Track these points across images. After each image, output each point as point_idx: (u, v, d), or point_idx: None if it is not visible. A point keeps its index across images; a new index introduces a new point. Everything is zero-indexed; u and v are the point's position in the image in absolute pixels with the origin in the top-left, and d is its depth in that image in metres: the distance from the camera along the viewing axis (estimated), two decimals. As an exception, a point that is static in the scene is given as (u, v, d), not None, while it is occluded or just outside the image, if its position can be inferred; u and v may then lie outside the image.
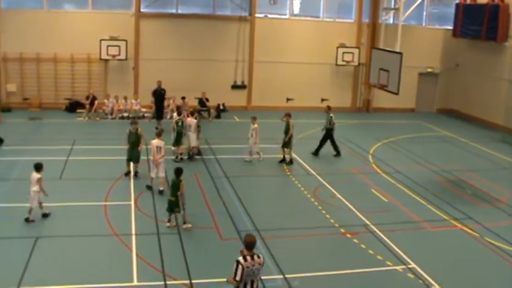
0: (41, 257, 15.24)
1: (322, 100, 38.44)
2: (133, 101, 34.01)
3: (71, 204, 19.06)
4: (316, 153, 27.26)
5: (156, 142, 21.08)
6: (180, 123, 24.94)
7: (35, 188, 17.53)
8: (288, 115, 25.72)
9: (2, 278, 14.02)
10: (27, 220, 17.50)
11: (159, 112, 31.17)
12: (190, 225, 17.68)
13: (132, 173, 22.49)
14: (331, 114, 27.58)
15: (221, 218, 18.55)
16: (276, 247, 16.50)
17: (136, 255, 15.57)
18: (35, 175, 17.59)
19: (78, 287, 13.80)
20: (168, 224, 17.75)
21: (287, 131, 25.37)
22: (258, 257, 11.31)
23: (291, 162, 25.24)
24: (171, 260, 15.42)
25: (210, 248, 16.49)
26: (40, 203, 17.78)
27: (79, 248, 16.10)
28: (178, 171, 17.68)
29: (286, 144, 25.33)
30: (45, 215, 17.97)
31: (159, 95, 31.23)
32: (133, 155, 22.34)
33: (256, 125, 25.17)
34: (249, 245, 11.23)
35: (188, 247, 16.26)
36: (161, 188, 20.85)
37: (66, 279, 14.09)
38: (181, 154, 25.08)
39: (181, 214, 17.67)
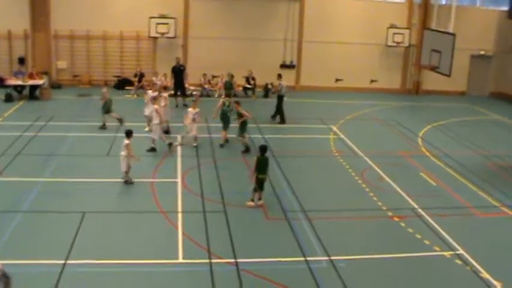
0: (88, 232, 15.39)
1: (371, 81, 38.07)
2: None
3: (118, 180, 19.17)
4: (274, 117, 28.63)
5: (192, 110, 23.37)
6: (226, 104, 24.63)
7: (123, 153, 18.70)
8: (237, 103, 23.88)
9: (51, 251, 14.20)
10: (125, 182, 18.88)
11: (180, 88, 31.41)
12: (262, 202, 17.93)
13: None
14: (282, 82, 28.84)
15: (268, 197, 18.41)
16: (322, 228, 16.35)
17: (182, 233, 15.60)
18: (125, 141, 18.77)
19: (124, 261, 13.89)
20: (252, 204, 17.74)
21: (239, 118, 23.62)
22: None
23: (247, 150, 23.27)
24: (216, 238, 15.41)
25: (255, 228, 16.46)
26: (128, 169, 18.82)
27: (125, 224, 16.23)
28: (264, 149, 17.80)
29: (240, 130, 23.50)
30: (126, 182, 18.89)
31: (178, 72, 31.41)
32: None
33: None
34: None
35: (234, 226, 16.22)
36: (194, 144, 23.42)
37: (112, 254, 14.20)
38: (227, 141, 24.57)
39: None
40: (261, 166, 17.61)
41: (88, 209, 16.75)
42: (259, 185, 17.69)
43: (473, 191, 20.51)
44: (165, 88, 26.92)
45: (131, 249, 14.61)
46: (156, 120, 22.49)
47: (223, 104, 24.63)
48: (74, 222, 15.82)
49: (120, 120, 25.79)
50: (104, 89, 26.10)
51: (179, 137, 23.87)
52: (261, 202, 17.93)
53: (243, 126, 23.33)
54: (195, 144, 23.34)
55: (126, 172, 18.92)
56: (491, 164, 24.06)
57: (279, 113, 28.71)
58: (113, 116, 25.74)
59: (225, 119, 24.40)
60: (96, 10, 34.11)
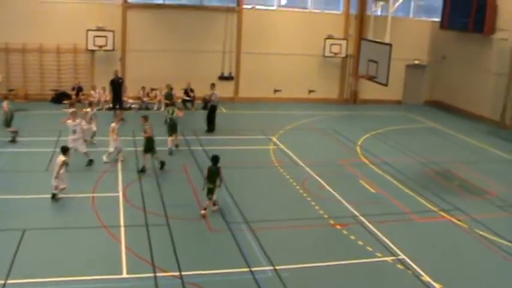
0: (28, 250, 15.08)
1: (310, 91, 38.49)
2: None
3: (58, 196, 18.86)
4: (210, 129, 28.83)
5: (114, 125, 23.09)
6: (171, 111, 25.61)
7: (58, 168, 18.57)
8: (144, 118, 22.71)
9: (-10, 270, 13.88)
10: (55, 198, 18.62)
11: (118, 101, 31.49)
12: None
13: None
14: (215, 92, 29.23)
15: (210, 209, 18.43)
16: (265, 238, 16.46)
17: (126, 247, 15.46)
18: (60, 157, 18.66)
19: (67, 279, 13.67)
20: (204, 212, 17.99)
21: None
22: None
23: (143, 170, 21.98)
24: (160, 252, 15.34)
25: (199, 240, 16.44)
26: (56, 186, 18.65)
27: (67, 240, 15.95)
28: (216, 159, 18.12)
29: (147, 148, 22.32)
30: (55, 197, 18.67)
31: (116, 85, 31.40)
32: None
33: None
34: None
35: (177, 239, 16.18)
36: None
37: (55, 272, 13.96)
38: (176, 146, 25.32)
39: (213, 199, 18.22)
40: (211, 175, 17.92)
41: (28, 226, 16.42)
42: (207, 194, 17.97)
43: (411, 196, 20.98)
44: (90, 104, 27.03)
45: (74, 266, 14.38)
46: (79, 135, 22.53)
47: (168, 112, 25.55)
48: (13, 240, 15.48)
49: (14, 137, 25.13)
50: (4, 103, 25.64)
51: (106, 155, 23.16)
52: (215, 207, 18.34)
53: (149, 143, 22.17)
54: (122, 159, 23.07)
55: (56, 187, 18.59)
56: (428, 170, 24.64)
57: (209, 122, 29.01)
58: (9, 130, 25.26)
59: (172, 127, 24.97)
60: (32, 22, 33.41)
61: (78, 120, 22.46)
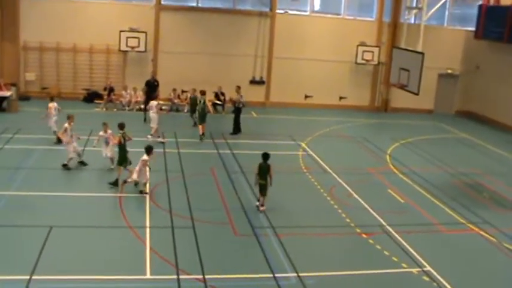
0: (54, 247, 15.21)
1: (341, 98, 38.33)
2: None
3: (86, 194, 19.07)
4: (235, 132, 29.08)
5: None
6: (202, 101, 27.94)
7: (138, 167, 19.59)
8: (120, 126, 21.46)
9: (16, 265, 14.03)
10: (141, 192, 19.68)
11: (149, 101, 30.68)
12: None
13: None
14: (242, 94, 29.57)
15: (236, 213, 18.45)
16: (290, 245, 16.37)
17: (150, 248, 15.50)
18: (144, 156, 19.69)
19: (91, 277, 13.76)
20: (262, 208, 18.86)
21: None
22: None
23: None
24: (184, 254, 15.33)
25: (224, 244, 16.39)
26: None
27: (92, 239, 16.06)
28: (266, 156, 18.95)
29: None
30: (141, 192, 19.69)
31: (151, 86, 31.35)
32: None
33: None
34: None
35: (202, 242, 16.17)
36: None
37: (79, 270, 14.08)
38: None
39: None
40: (262, 172, 18.75)
41: (55, 223, 16.56)
42: (260, 190, 18.89)
43: (440, 207, 20.72)
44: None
45: (98, 265, 14.46)
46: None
47: (199, 102, 28.00)
48: (40, 236, 15.63)
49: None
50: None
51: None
52: (262, 208, 18.89)
53: (122, 152, 20.87)
54: (112, 166, 21.96)
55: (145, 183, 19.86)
56: (457, 181, 24.35)
57: (235, 124, 29.24)
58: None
59: (202, 115, 27.45)
60: (66, 22, 33.85)
61: (110, 131, 21.86)
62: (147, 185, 20.07)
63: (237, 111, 29.35)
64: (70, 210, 17.86)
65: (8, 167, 20.97)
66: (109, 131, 21.84)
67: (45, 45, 34.03)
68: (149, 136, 26.42)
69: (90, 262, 14.61)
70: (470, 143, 31.82)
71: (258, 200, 19.16)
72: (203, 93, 28.33)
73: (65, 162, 21.67)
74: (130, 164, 20.72)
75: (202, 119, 27.69)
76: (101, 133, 21.85)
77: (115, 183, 20.01)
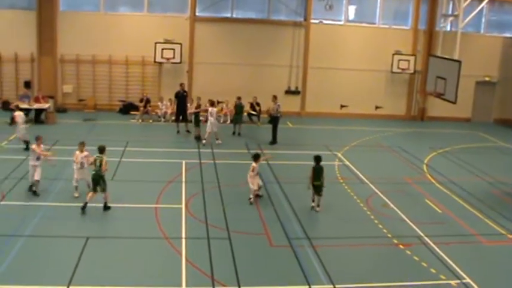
0: (91, 257, 15.31)
1: (376, 108, 38.10)
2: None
3: (122, 205, 19.15)
4: (274, 141, 29.27)
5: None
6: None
7: (252, 173, 20.43)
8: (81, 144, 20.15)
9: (53, 275, 14.15)
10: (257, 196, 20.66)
11: (182, 113, 31.13)
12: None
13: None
14: (279, 103, 29.75)
15: (272, 224, 18.37)
16: (326, 256, 16.23)
17: (186, 259, 15.50)
18: (253, 164, 20.44)
19: (127, 288, 13.83)
20: (318, 209, 19.93)
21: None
22: None
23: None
24: (220, 265, 15.30)
25: (259, 255, 16.32)
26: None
27: (129, 249, 16.12)
28: (319, 158, 20.10)
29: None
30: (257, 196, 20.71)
31: (180, 97, 31.33)
32: None
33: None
34: None
35: (238, 253, 16.12)
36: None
37: (115, 281, 14.13)
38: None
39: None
40: (316, 174, 19.71)
41: (91, 234, 16.69)
42: (316, 191, 19.81)
43: (479, 218, 20.36)
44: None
45: (134, 275, 14.51)
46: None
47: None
48: (77, 247, 15.75)
49: None
50: None
51: None
52: (318, 209, 19.86)
53: (96, 178, 18.79)
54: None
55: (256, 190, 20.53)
56: (497, 191, 23.92)
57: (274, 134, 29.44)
58: None
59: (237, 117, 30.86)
60: (102, 35, 34.30)
61: (86, 153, 19.87)
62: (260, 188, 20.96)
63: (275, 120, 29.31)
64: (106, 221, 18.01)
65: (46, 178, 21.13)
66: (85, 152, 19.80)
67: (81, 58, 34.50)
68: (204, 141, 28.21)
69: (126, 273, 14.65)
70: (509, 152, 31.31)
71: (313, 201, 19.97)
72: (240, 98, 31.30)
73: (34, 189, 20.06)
74: (104, 190, 18.74)
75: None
76: (77, 153, 19.77)
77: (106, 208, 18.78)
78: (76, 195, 19.77)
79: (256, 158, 20.61)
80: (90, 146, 25.30)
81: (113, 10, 35.16)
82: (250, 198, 20.40)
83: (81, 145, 19.89)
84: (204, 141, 28.22)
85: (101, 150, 19.00)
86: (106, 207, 18.74)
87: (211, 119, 28.43)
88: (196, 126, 28.96)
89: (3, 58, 34.01)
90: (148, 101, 33.49)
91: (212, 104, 29.04)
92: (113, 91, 35.34)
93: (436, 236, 18.17)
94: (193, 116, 29.30)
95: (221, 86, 34.73)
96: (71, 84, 34.92)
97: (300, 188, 21.79)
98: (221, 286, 14.16)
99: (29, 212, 18.07)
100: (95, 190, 18.68)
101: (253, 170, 20.29)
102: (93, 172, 18.73)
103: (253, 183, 20.36)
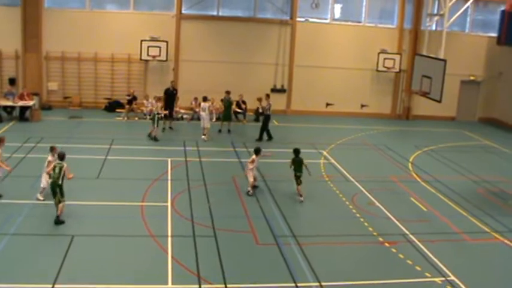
0: (76, 256, 15.26)
1: (362, 106, 38.19)
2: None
3: (107, 203, 19.10)
4: (261, 138, 29.64)
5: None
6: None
7: (251, 166, 21.09)
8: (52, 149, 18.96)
9: (38, 274, 14.09)
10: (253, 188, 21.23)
11: (168, 110, 30.74)
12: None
13: None
14: (271, 102, 30.20)
15: (258, 222, 18.38)
16: (312, 254, 16.27)
17: (172, 257, 15.49)
18: (253, 157, 21.24)
19: (113, 286, 13.80)
20: (301, 199, 20.79)
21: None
22: None
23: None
24: (206, 263, 15.30)
25: (246, 253, 16.35)
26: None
27: (114, 248, 16.08)
28: (298, 151, 21.19)
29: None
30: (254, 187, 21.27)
31: (170, 95, 31.41)
32: None
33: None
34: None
35: (224, 251, 16.12)
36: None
37: (101, 279, 14.08)
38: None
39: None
40: (297, 165, 20.82)
41: (77, 233, 16.62)
42: (297, 180, 20.78)
43: (463, 216, 20.49)
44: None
45: (120, 274, 14.48)
46: None
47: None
48: (62, 245, 15.69)
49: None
50: None
51: None
52: (301, 198, 20.75)
53: (52, 186, 17.57)
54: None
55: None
56: (481, 190, 24.07)
57: (265, 131, 29.66)
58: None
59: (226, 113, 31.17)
60: (88, 32, 34.11)
61: (50, 158, 18.71)
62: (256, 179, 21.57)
63: (266, 118, 29.58)
64: (92, 219, 17.89)
65: (31, 175, 21.04)
66: (49, 157, 18.71)
67: (67, 55, 34.28)
68: (203, 137, 28.71)
69: (112, 271, 14.62)
70: (493, 150, 31.51)
71: (301, 195, 20.87)
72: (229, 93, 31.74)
73: None
74: (59, 202, 17.35)
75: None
76: (50, 158, 18.66)
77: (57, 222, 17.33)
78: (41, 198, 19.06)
79: (257, 151, 21.21)
80: (76, 144, 25.48)
81: (99, 7, 34.92)
82: (248, 191, 21.00)
83: (53, 150, 18.65)
84: (203, 138, 28.73)
85: (61, 157, 17.59)
86: (58, 221, 17.21)
87: (203, 114, 28.81)
88: (154, 124, 28.14)
89: (-13, 55, 33.81)
90: (135, 98, 33.32)
91: (205, 99, 29.51)
92: (98, 89, 35.14)
93: (421, 234, 18.27)
94: (153, 115, 28.38)
95: (207, 83, 34.62)
96: (56, 81, 34.65)
97: (286, 185, 21.89)
98: (207, 284, 14.16)
99: (14, 210, 17.95)
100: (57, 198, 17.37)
101: (252, 162, 21.01)
102: (51, 180, 17.49)
103: (250, 176, 20.94)
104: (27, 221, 17.37)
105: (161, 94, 31.51)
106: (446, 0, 29.45)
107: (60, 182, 17.23)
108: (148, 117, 32.75)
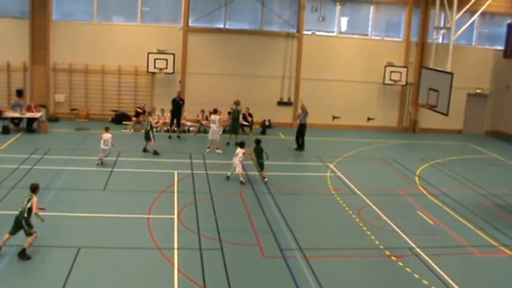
0: (82, 268, 15.22)
1: (369, 119, 38.16)
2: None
3: (114, 215, 19.09)
4: (301, 147, 30.93)
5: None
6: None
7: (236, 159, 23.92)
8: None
9: (44, 286, 14.10)
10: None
11: (174, 120, 32.22)
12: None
13: None
14: (307, 110, 31.29)
15: (264, 235, 18.33)
16: (319, 267, 16.21)
17: (178, 270, 15.44)
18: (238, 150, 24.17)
19: (119, 300, 13.76)
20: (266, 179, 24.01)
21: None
22: None
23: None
24: (212, 276, 15.25)
25: (252, 266, 16.28)
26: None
27: (121, 260, 16.04)
28: (259, 141, 24.85)
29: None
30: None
31: (176, 104, 31.82)
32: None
33: None
34: None
35: (230, 264, 16.07)
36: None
37: (107, 292, 14.05)
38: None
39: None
40: (258, 153, 24.33)
41: (83, 244, 16.59)
42: (260, 167, 24.37)
43: (471, 230, 20.39)
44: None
45: (126, 286, 14.46)
46: None
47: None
48: (68, 257, 15.66)
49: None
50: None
51: None
52: (266, 179, 24.07)
53: (17, 223, 15.92)
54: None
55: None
56: (489, 203, 23.97)
57: (296, 140, 30.96)
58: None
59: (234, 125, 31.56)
60: (95, 44, 34.28)
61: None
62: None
63: (302, 127, 30.85)
64: (98, 231, 17.87)
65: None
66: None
67: (74, 67, 34.42)
68: (212, 149, 29.03)
69: (118, 283, 14.59)
70: (500, 164, 31.41)
71: (264, 177, 24.25)
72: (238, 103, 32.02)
73: None
74: (30, 234, 15.81)
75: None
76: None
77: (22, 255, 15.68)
78: None
79: (241, 145, 24.35)
80: (82, 156, 25.51)
81: (106, 20, 35.11)
82: (241, 181, 23.62)
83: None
84: (208, 150, 28.95)
85: (33, 189, 16.03)
86: (22, 254, 15.55)
87: (213, 127, 29.05)
88: (146, 139, 27.83)
89: (-5, 67, 33.97)
90: (144, 112, 33.14)
91: (215, 111, 29.89)
92: (105, 101, 35.26)
93: (428, 247, 18.18)
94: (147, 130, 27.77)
95: (214, 96, 34.69)
96: (63, 93, 34.79)
97: (292, 198, 21.86)
98: (213, 297, 14.13)
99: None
100: (12, 232, 15.82)
101: (243, 154, 23.98)
102: (18, 211, 15.87)
103: (239, 167, 23.85)
104: (34, 233, 17.36)
105: (168, 106, 31.63)
106: (453, 13, 29.44)
107: (25, 215, 15.64)
108: (155, 129, 32.79)
